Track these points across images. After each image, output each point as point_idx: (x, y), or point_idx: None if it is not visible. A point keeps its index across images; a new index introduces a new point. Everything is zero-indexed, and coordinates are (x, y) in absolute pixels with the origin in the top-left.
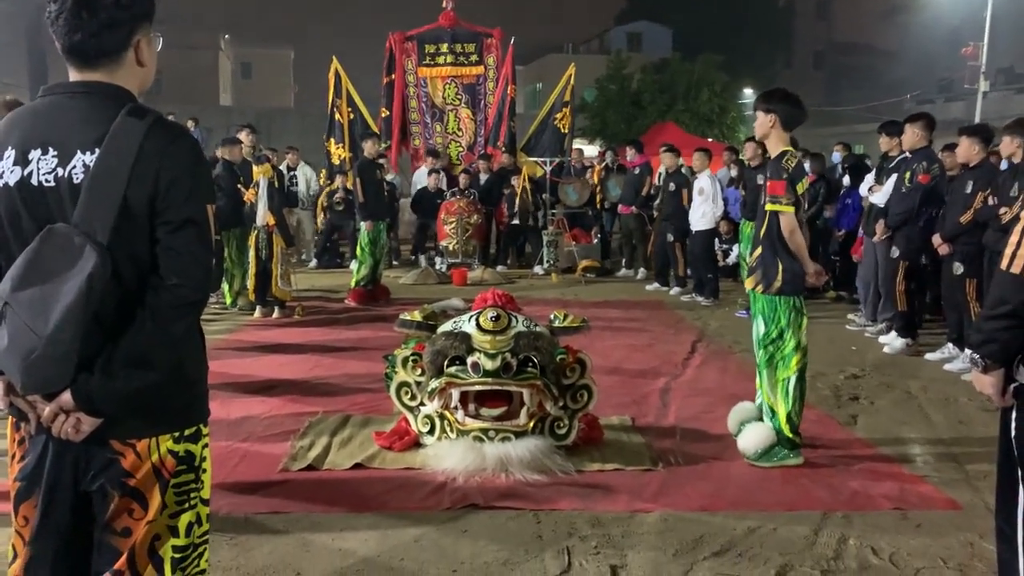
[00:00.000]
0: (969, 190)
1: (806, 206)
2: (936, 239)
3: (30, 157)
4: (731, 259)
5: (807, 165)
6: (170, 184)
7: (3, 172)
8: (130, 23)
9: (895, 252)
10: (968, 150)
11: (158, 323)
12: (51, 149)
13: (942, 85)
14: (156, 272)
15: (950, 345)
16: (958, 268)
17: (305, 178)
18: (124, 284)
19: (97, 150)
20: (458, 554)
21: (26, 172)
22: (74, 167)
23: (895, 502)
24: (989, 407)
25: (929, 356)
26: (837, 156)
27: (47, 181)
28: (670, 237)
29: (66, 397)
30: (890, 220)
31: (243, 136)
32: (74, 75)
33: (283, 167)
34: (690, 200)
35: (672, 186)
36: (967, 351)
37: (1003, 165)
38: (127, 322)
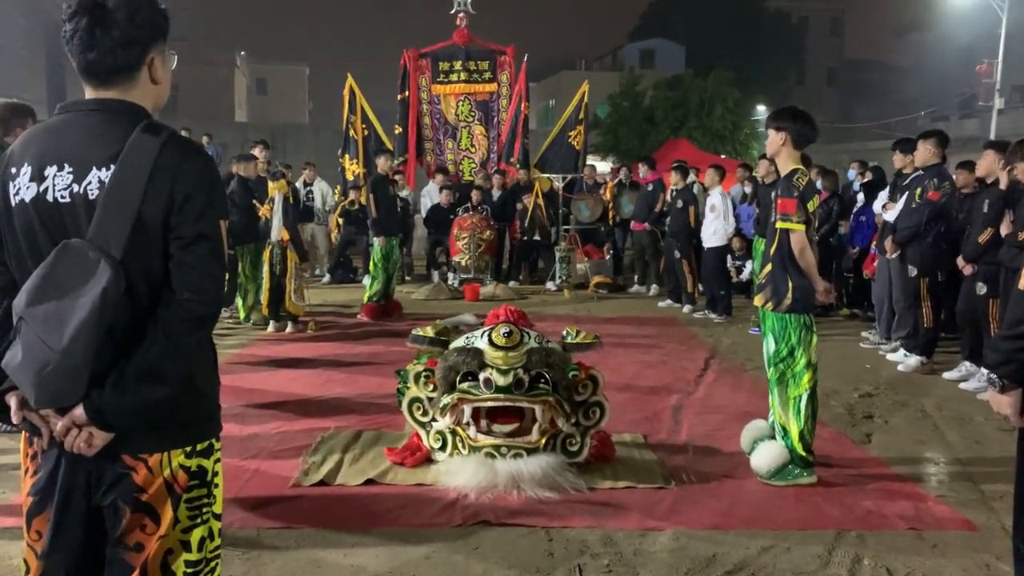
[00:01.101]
0: (986, 208)
1: (817, 224)
2: (960, 260)
3: (46, 173)
4: (744, 275)
5: (819, 183)
6: (184, 200)
7: (19, 188)
8: (144, 41)
9: (912, 271)
10: (991, 164)
11: (170, 337)
12: (67, 166)
13: (962, 102)
14: (169, 287)
15: (967, 363)
16: (981, 288)
17: (321, 193)
18: (137, 299)
19: (112, 166)
20: (469, 571)
21: (42, 188)
22: (89, 183)
23: (910, 522)
24: (1006, 427)
25: (947, 375)
26: (852, 173)
27: (63, 197)
28: (677, 254)
29: (79, 411)
30: (897, 236)
31: (257, 152)
32: (89, 93)
33: (300, 182)
34: (697, 218)
35: (680, 203)
36: (982, 370)
37: None
38: (140, 336)
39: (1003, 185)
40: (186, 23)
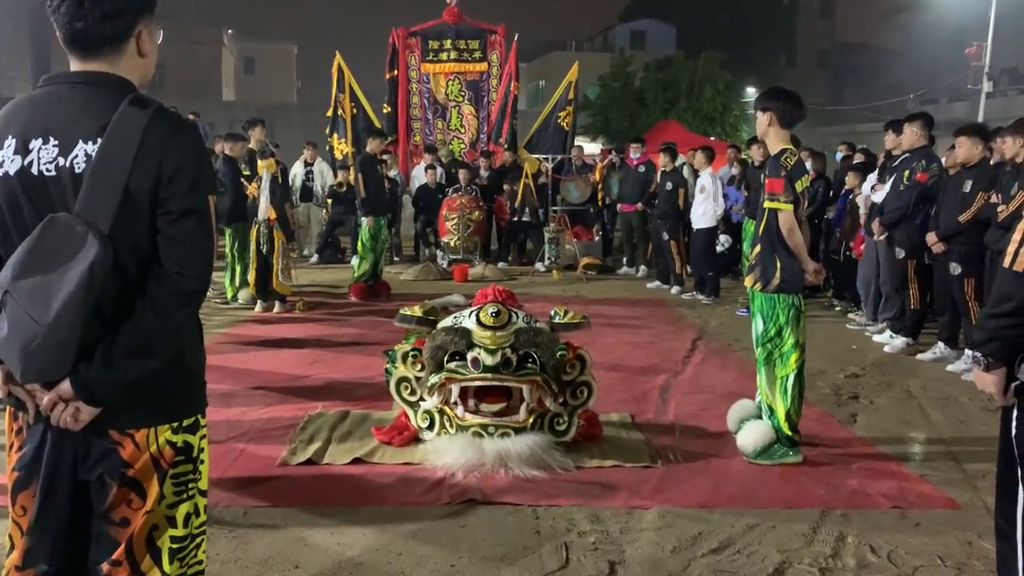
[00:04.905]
0: (968, 189)
1: (806, 204)
2: (931, 237)
3: (31, 146)
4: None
5: (809, 164)
6: (173, 174)
7: (3, 161)
8: (132, 12)
9: (900, 253)
10: (969, 150)
11: (159, 312)
12: (52, 139)
13: (951, 84)
14: (158, 261)
15: (942, 344)
16: (955, 268)
17: (321, 174)
18: (125, 273)
19: (99, 140)
20: (456, 549)
21: (26, 161)
22: (76, 156)
23: (894, 500)
24: (989, 407)
25: (921, 356)
26: (840, 155)
27: (48, 170)
28: (665, 236)
29: (65, 386)
30: (885, 218)
31: (257, 132)
32: (75, 65)
33: (300, 162)
34: (686, 199)
35: (669, 185)
36: (967, 350)
37: None
38: (127, 311)
39: (1020, 159)
40: (173, 1)
